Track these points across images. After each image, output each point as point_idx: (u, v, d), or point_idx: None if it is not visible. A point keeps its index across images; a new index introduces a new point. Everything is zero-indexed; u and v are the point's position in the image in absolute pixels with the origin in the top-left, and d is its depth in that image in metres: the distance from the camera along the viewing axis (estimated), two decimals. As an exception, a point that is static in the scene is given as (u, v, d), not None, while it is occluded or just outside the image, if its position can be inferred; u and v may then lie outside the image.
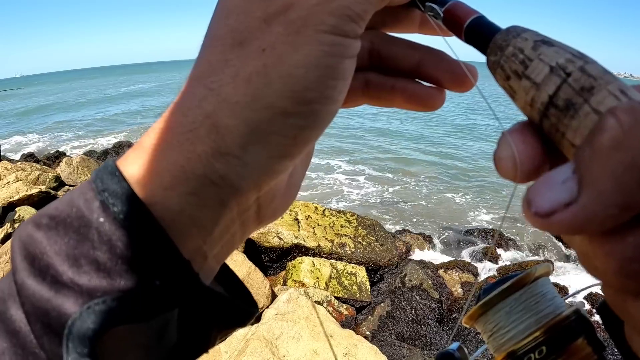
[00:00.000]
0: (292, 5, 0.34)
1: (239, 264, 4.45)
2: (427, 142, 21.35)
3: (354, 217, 7.04)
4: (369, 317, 5.17)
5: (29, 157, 12.57)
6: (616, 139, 0.22)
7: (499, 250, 8.84)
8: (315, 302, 4.69)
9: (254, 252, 6.08)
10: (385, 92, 0.46)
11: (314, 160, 0.62)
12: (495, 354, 0.46)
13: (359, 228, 6.80)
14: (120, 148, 11.83)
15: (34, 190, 7.49)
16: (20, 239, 0.33)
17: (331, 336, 3.81)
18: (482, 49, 0.37)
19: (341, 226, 6.68)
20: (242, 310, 0.40)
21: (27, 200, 7.22)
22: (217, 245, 0.38)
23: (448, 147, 20.64)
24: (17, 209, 6.75)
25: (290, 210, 6.65)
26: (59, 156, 12.21)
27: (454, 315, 5.63)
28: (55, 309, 0.30)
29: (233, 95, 0.34)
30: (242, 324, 0.41)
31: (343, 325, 4.59)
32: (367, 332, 4.93)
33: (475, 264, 8.02)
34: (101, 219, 0.32)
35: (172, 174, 0.33)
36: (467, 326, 0.49)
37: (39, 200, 7.35)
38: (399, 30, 0.47)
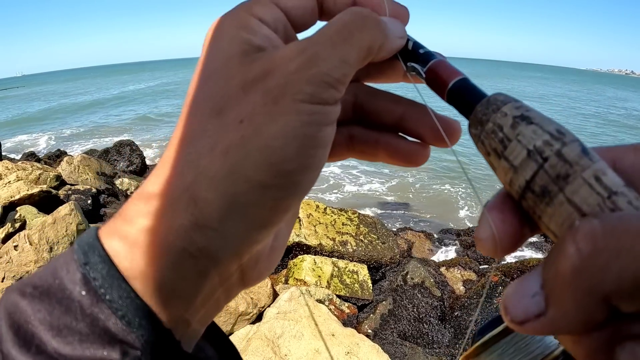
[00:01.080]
0: (271, 72, 0.34)
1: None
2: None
3: (355, 215, 7.03)
4: (371, 315, 5.15)
5: (30, 157, 12.56)
6: (575, 268, 0.24)
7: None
8: (317, 300, 4.68)
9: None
10: (369, 146, 0.46)
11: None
12: None
13: (361, 226, 6.79)
14: (121, 147, 11.82)
15: (35, 190, 7.48)
16: (6, 307, 0.33)
17: (333, 335, 3.79)
18: (464, 113, 0.37)
19: (342, 224, 6.67)
20: None
21: (28, 200, 7.21)
22: (200, 312, 0.38)
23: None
24: (18, 208, 6.73)
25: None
26: (60, 155, 12.19)
27: (456, 314, 5.61)
28: None
29: (211, 168, 0.33)
30: None
31: (345, 324, 4.58)
32: (369, 331, 4.92)
33: (477, 262, 8.02)
34: (83, 292, 0.32)
35: (151, 247, 0.33)
36: None
37: (40, 200, 7.34)
38: (383, 80, 0.47)
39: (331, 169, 14.78)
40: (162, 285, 0.33)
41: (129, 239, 0.34)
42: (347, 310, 5.08)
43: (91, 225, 6.37)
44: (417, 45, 0.42)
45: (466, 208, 12.36)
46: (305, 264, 5.48)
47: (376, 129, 0.46)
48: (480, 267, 7.91)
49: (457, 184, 14.28)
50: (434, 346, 5.25)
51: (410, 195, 13.01)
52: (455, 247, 9.02)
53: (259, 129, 0.33)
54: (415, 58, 0.42)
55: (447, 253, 8.51)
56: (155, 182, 0.35)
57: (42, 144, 20.72)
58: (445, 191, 13.51)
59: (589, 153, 0.29)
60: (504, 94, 0.35)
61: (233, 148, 0.33)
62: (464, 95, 0.37)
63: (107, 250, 0.34)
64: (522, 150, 0.31)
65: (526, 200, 0.31)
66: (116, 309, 0.32)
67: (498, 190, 0.35)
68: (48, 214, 5.93)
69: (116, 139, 13.26)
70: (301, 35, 0.43)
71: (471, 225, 10.36)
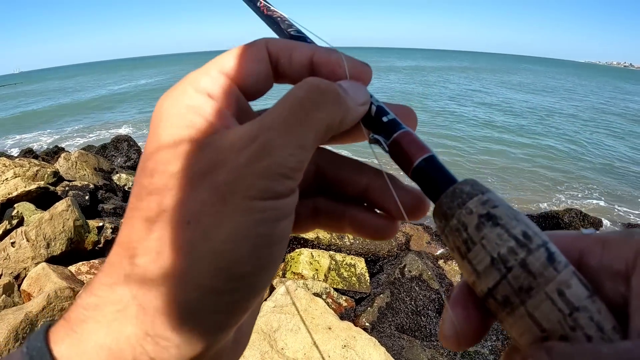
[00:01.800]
0: (219, 165, 0.32)
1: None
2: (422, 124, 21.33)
3: (352, 208, 7.02)
4: (369, 308, 5.15)
5: (28, 153, 12.55)
6: None
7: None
8: (314, 294, 4.68)
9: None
10: (334, 220, 0.44)
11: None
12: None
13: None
14: (119, 142, 11.80)
15: (33, 186, 7.48)
16: None
17: (329, 328, 3.79)
18: (429, 195, 0.36)
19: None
20: None
21: (26, 197, 7.21)
22: None
23: (448, 131, 20.62)
24: (15, 205, 6.73)
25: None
26: (57, 152, 12.19)
27: (454, 306, 5.61)
28: None
29: (158, 274, 0.31)
30: None
31: (342, 317, 4.58)
32: (367, 324, 4.92)
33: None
34: None
35: (100, 354, 0.31)
36: None
37: (37, 196, 7.35)
38: (346, 142, 0.44)
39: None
40: None
41: (78, 346, 0.31)
42: (344, 304, 5.08)
43: (88, 221, 6.37)
44: (381, 111, 0.39)
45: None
46: (302, 258, 5.48)
47: (341, 199, 0.44)
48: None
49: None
50: (432, 339, 5.25)
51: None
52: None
53: (208, 231, 0.31)
54: (378, 126, 0.39)
55: (445, 246, 8.51)
56: (102, 287, 0.33)
57: (42, 141, 20.70)
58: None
59: (555, 260, 0.29)
60: (471, 183, 0.33)
61: (181, 253, 0.31)
62: (429, 177, 0.36)
63: (56, 357, 0.31)
64: (486, 257, 0.30)
65: (488, 303, 0.31)
66: None
67: (460, 282, 0.35)
68: (46, 210, 5.93)
69: (115, 133, 13.26)
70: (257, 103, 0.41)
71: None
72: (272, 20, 0.48)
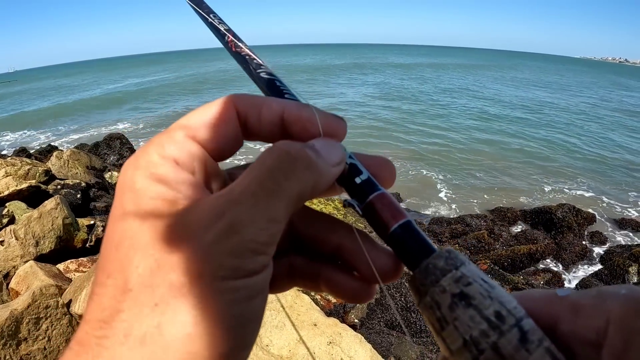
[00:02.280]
0: (186, 242, 0.30)
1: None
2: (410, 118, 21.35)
3: (342, 205, 7.01)
4: (358, 305, 5.15)
5: (21, 152, 12.52)
6: None
7: (491, 237, 8.84)
8: (301, 290, 4.68)
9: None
10: (310, 279, 0.42)
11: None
12: None
13: (348, 215, 6.79)
14: (111, 140, 11.79)
15: (24, 185, 7.47)
16: None
17: (315, 325, 3.79)
18: (405, 262, 0.35)
19: (330, 213, 6.66)
20: None
21: (17, 195, 7.20)
22: None
23: (438, 123, 20.63)
24: (7, 204, 6.72)
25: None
26: (50, 150, 12.17)
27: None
28: None
29: (127, 358, 0.29)
30: None
31: (331, 314, 4.58)
32: (356, 320, 4.93)
33: (466, 250, 8.03)
34: None
35: None
36: None
37: (29, 195, 7.34)
38: (321, 196, 0.41)
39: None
40: None
41: None
42: (333, 300, 5.08)
43: (79, 219, 6.36)
44: (354, 170, 0.38)
45: (455, 198, 12.38)
46: (290, 254, 5.47)
47: (316, 257, 0.41)
48: (471, 255, 7.94)
49: (447, 176, 14.30)
50: (422, 335, 5.26)
51: (399, 186, 13.03)
52: (444, 235, 9.04)
53: (176, 315, 0.29)
54: (351, 188, 0.38)
55: (435, 241, 8.52)
56: None
57: (38, 141, 20.67)
58: (437, 184, 13.52)
59: (528, 341, 0.28)
60: (446, 256, 0.32)
61: (149, 337, 0.29)
62: (405, 245, 0.35)
63: None
64: (459, 338, 0.29)
65: None
66: None
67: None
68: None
69: (106, 132, 13.24)
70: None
71: (461, 214, 10.37)
72: (240, 58, 0.45)
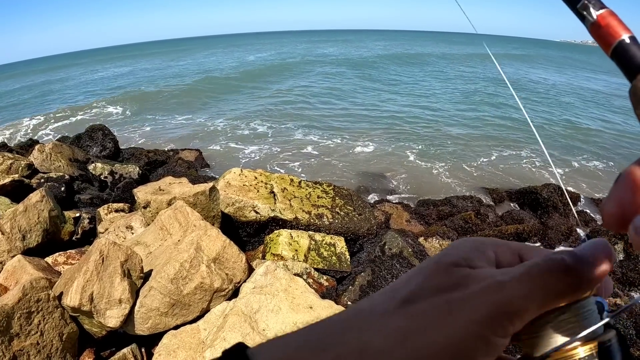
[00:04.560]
0: (461, 285, 0.38)
1: (213, 238, 4.40)
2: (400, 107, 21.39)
3: (330, 188, 7.02)
4: (350, 287, 5.17)
5: (2, 147, 12.32)
6: None
7: (478, 217, 8.90)
8: (295, 274, 4.67)
9: (231, 227, 6.04)
10: None
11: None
12: (535, 354, 0.47)
13: (336, 198, 6.79)
14: (93, 132, 11.65)
15: (7, 180, 7.36)
16: None
17: (311, 307, 3.79)
18: (626, 72, 0.36)
19: (318, 197, 6.66)
20: None
21: (0, 190, 7.09)
22: None
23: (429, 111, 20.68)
24: (-10, 199, 6.62)
25: (266, 184, 6.61)
26: (32, 144, 11.99)
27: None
28: None
29: (384, 345, 0.36)
30: None
31: (324, 296, 4.58)
32: (349, 303, 4.93)
33: (456, 231, 8.08)
34: None
35: None
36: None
37: (12, 190, 7.24)
38: None
39: (310, 141, 14.73)
40: None
41: None
42: (325, 283, 5.09)
43: (65, 212, 6.28)
44: None
45: (443, 180, 12.44)
46: (281, 239, 5.46)
47: None
48: (459, 236, 7.98)
49: (435, 159, 14.36)
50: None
51: (390, 168, 13.06)
52: (432, 217, 9.07)
53: (426, 328, 0.36)
54: None
55: (424, 223, 8.56)
56: (327, 346, 0.38)
57: (10, 134, 20.37)
58: (425, 165, 13.58)
59: None
60: None
61: (396, 332, 0.37)
62: (632, 55, 0.36)
63: None
64: None
65: None
66: None
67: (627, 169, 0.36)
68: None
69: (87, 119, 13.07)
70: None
71: (449, 195, 10.42)
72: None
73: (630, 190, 0.34)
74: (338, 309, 3.90)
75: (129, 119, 22.26)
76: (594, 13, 0.38)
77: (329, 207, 6.52)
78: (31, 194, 5.79)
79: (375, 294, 0.42)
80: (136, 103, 25.74)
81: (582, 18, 0.38)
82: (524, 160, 14.40)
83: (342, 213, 6.50)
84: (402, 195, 11.03)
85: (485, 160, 14.30)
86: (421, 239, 6.96)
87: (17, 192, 7.22)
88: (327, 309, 3.84)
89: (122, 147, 12.35)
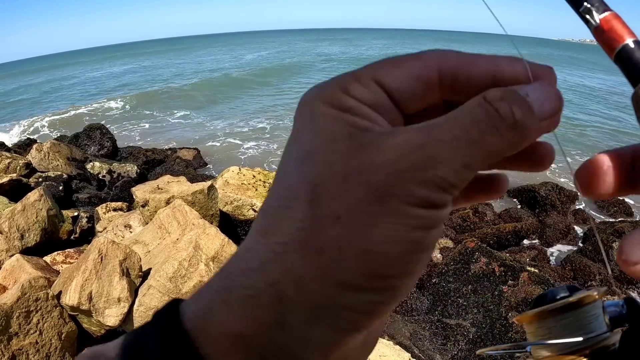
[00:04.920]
0: (379, 166, 0.30)
1: (212, 237, 4.41)
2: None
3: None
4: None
5: (0, 147, 12.32)
6: None
7: (476, 216, 8.91)
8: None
9: (229, 225, 6.04)
10: (483, 186, 0.41)
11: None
12: (539, 357, 0.48)
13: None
14: (91, 131, 11.65)
15: (5, 179, 7.38)
16: None
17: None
18: (630, 77, 0.35)
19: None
20: None
21: (-1, 190, 7.11)
22: None
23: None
24: (-13, 199, 6.62)
25: (264, 182, 6.62)
26: (29, 143, 11.99)
27: (433, 281, 5.67)
28: None
29: (300, 267, 0.30)
30: None
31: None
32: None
33: (454, 229, 8.10)
34: None
35: (230, 340, 0.31)
36: (517, 323, 0.52)
37: (10, 189, 7.24)
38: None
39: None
40: None
41: (206, 328, 0.32)
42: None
43: (63, 211, 6.28)
44: None
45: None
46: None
47: None
48: (457, 234, 8.00)
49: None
50: (413, 314, 5.30)
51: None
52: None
53: (359, 230, 0.30)
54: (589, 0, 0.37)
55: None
56: (235, 271, 0.32)
57: (9, 134, 20.37)
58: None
59: None
60: None
61: (327, 248, 0.30)
62: (636, 60, 0.35)
63: (188, 330, 0.32)
64: None
65: None
66: None
67: (629, 145, 0.35)
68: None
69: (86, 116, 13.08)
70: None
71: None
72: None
73: None
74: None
75: (128, 117, 22.27)
76: (597, 17, 0.36)
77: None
78: (29, 193, 5.80)
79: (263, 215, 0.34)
80: (135, 102, 25.72)
81: (586, 21, 0.37)
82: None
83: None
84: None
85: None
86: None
87: (15, 191, 7.22)
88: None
89: (120, 146, 12.36)
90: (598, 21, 0.36)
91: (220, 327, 0.31)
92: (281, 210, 0.32)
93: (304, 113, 0.34)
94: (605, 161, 0.34)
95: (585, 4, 0.37)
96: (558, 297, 0.51)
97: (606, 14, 0.36)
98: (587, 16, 0.37)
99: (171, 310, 0.33)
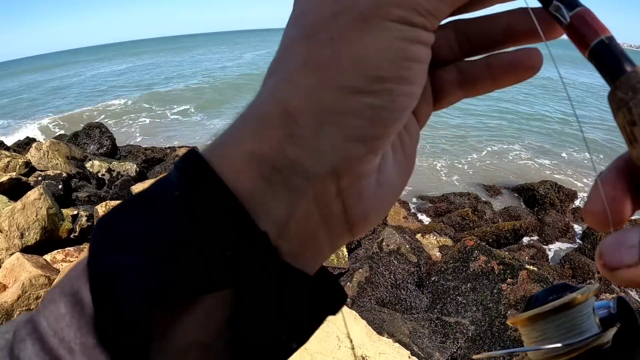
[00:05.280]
0: (361, 1, 0.33)
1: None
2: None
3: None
4: (348, 283, 5.19)
5: (-1, 146, 12.32)
6: None
7: (475, 214, 8.92)
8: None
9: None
10: (480, 73, 0.42)
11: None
12: (533, 358, 0.49)
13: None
14: (90, 129, 11.64)
15: (4, 178, 7.37)
16: (99, 226, 0.33)
17: (309, 303, 3.80)
18: (606, 74, 0.34)
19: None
20: (333, 291, 0.38)
21: (-2, 188, 7.10)
22: (294, 242, 0.34)
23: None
24: (-13, 198, 6.62)
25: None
26: (29, 142, 11.98)
27: (433, 279, 5.68)
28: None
29: (304, 79, 0.33)
30: (333, 310, 0.38)
31: (322, 293, 4.58)
32: (348, 299, 4.95)
33: (453, 228, 8.11)
34: (176, 193, 0.32)
35: (243, 158, 0.32)
36: (511, 325, 0.52)
37: (9, 188, 7.23)
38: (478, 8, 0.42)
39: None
40: (252, 199, 0.32)
41: (222, 151, 0.33)
42: (323, 280, 5.10)
43: (63, 210, 6.29)
44: None
45: (441, 176, 12.46)
46: (280, 236, 5.48)
47: (483, 50, 0.43)
48: (456, 232, 8.01)
49: (434, 155, 14.38)
50: (412, 311, 5.31)
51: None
52: (430, 213, 9.11)
53: (350, 42, 0.32)
54: None
55: (421, 220, 8.59)
56: (250, 106, 0.35)
57: (7, 132, 20.35)
58: (423, 161, 13.59)
59: None
60: None
61: (325, 61, 0.32)
62: (611, 55, 0.34)
63: (209, 160, 0.33)
64: None
65: None
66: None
67: (612, 163, 0.34)
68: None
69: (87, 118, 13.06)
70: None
71: (446, 192, 10.45)
72: None
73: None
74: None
75: (127, 114, 22.26)
76: (567, 14, 0.36)
77: (327, 204, 6.55)
78: (29, 192, 5.80)
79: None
80: (134, 101, 25.71)
81: (557, 19, 0.36)
82: (523, 156, 14.43)
83: (340, 210, 6.53)
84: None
85: (482, 156, 14.33)
86: (418, 236, 6.98)
87: (14, 190, 7.22)
88: (326, 305, 3.85)
89: (119, 145, 12.34)
90: (568, 18, 0.36)
91: (233, 148, 0.33)
92: (283, 55, 0.35)
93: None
94: (611, 192, 0.33)
95: (554, 1, 0.36)
96: (550, 297, 0.51)
97: (577, 9, 0.36)
98: (557, 14, 0.36)
99: (191, 151, 0.34)
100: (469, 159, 13.94)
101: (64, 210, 6.35)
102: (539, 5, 0.39)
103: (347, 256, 5.70)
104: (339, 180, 0.34)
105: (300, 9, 0.36)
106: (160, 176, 0.34)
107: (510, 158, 14.29)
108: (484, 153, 14.65)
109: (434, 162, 13.56)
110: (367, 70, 0.32)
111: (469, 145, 15.42)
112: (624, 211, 0.32)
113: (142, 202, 0.33)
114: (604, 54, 0.34)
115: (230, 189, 0.31)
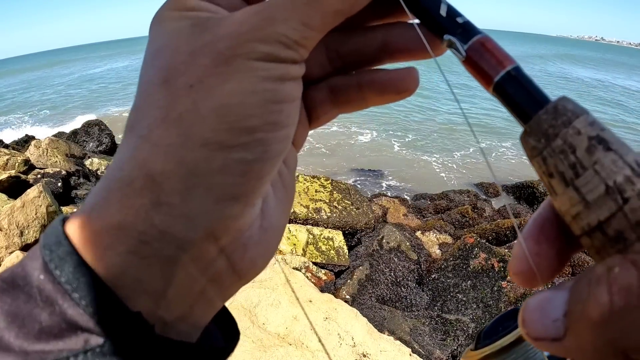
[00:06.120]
0: (221, 37, 0.31)
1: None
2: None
3: (328, 182, 7.04)
4: (348, 281, 5.18)
5: (-3, 143, 12.30)
6: (603, 318, 0.23)
7: (475, 212, 8.93)
8: (294, 268, 4.68)
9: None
10: (353, 92, 0.40)
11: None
12: None
13: (334, 192, 6.81)
14: (90, 127, 11.62)
15: (3, 176, 7.35)
16: None
17: (310, 301, 3.80)
18: (515, 112, 0.30)
19: (316, 191, 6.68)
20: (213, 351, 0.35)
21: (-3, 186, 7.09)
22: (178, 308, 0.33)
23: (425, 108, 20.71)
24: (-14, 196, 6.61)
25: (264, 179, 6.63)
26: (28, 140, 11.96)
27: (433, 276, 5.68)
28: None
29: (165, 137, 0.30)
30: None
31: (322, 291, 4.60)
32: (347, 296, 4.95)
33: (453, 225, 8.11)
34: (41, 276, 0.29)
35: (110, 232, 0.30)
36: None
37: (9, 186, 7.22)
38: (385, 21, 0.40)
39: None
40: (125, 274, 0.30)
41: (88, 226, 0.30)
42: (324, 277, 5.10)
43: (62, 207, 6.28)
44: (452, 12, 0.33)
45: (440, 174, 12.47)
46: (279, 233, 5.48)
47: (357, 67, 0.41)
48: (456, 230, 8.01)
49: (433, 153, 14.39)
50: (413, 309, 5.31)
51: (387, 163, 13.08)
52: (430, 211, 9.10)
53: (211, 89, 0.30)
54: (450, 27, 0.33)
55: (421, 217, 8.58)
56: (113, 167, 0.32)
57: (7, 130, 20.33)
58: (423, 159, 13.60)
59: None
60: (572, 101, 0.28)
61: (185, 113, 0.30)
62: (519, 91, 0.30)
63: (69, 235, 0.30)
64: (600, 185, 0.25)
65: (590, 239, 0.27)
66: (71, 289, 0.28)
67: (536, 212, 0.32)
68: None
69: (84, 119, 13.03)
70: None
71: (446, 189, 10.46)
72: None
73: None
74: (337, 302, 3.92)
75: (126, 115, 22.25)
76: (462, 48, 0.32)
77: (327, 201, 6.55)
78: (29, 190, 5.78)
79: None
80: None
81: (455, 53, 0.33)
82: (522, 154, 14.43)
83: (339, 207, 6.53)
84: (399, 189, 11.06)
85: (480, 153, 14.32)
86: (418, 233, 6.98)
87: (13, 188, 7.20)
88: (327, 302, 3.85)
89: (118, 143, 12.33)
90: (464, 53, 0.32)
91: (99, 221, 0.30)
92: (142, 103, 0.32)
93: (153, 24, 0.35)
94: (534, 248, 0.30)
95: (445, 36, 0.33)
96: (500, 328, 0.50)
97: (473, 39, 0.32)
98: (452, 49, 0.33)
99: (57, 224, 0.32)
100: (469, 157, 13.94)
101: (64, 208, 6.34)
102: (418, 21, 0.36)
103: (347, 254, 5.71)
104: (218, 241, 0.32)
105: (156, 45, 0.33)
106: (32, 249, 0.32)
107: (510, 155, 14.29)
108: (485, 151, 14.68)
109: (434, 159, 13.58)
110: (233, 121, 0.30)
111: (470, 143, 15.43)
112: (551, 265, 0.30)
113: (6, 284, 0.30)
114: (511, 89, 0.31)
115: (95, 270, 0.29)
